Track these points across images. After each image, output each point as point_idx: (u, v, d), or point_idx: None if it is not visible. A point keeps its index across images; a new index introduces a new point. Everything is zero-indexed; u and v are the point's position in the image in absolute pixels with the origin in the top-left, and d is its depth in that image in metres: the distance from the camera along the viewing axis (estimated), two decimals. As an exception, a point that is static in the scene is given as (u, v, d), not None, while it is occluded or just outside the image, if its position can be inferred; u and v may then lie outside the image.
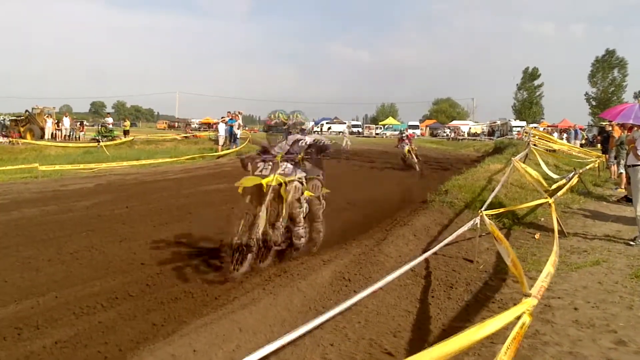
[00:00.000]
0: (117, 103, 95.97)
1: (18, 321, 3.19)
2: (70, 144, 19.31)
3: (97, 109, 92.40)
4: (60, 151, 17.15)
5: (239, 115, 20.26)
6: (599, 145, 17.77)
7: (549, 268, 2.88)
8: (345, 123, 51.98)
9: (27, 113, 22.85)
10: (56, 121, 23.81)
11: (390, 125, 53.09)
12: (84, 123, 29.64)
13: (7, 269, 4.26)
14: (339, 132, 38.47)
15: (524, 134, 23.94)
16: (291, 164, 4.31)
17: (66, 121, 23.93)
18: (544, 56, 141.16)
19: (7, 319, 3.23)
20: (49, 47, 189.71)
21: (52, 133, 22.67)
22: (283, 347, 2.46)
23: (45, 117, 22.84)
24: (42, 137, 21.36)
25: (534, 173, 7.78)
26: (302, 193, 4.46)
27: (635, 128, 5.94)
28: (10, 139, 19.74)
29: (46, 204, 7.51)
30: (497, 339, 2.78)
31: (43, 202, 7.68)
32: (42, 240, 5.31)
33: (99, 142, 18.64)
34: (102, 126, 25.30)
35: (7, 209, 7.07)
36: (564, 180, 8.25)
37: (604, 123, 15.44)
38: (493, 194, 6.34)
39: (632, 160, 5.45)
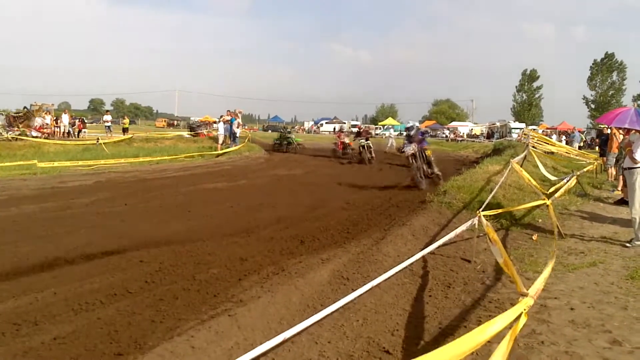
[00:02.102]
0: (116, 100, 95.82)
1: (17, 317, 3.20)
2: (68, 142, 19.27)
3: (96, 106, 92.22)
4: (59, 148, 17.11)
5: (239, 114, 20.26)
6: (597, 148, 17.83)
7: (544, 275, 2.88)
8: (344, 123, 51.97)
9: (25, 109, 22.78)
10: (55, 118, 23.74)
11: (390, 126, 53.02)
12: (84, 120, 29.47)
13: (6, 265, 4.26)
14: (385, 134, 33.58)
15: (523, 135, 23.96)
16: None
17: (65, 118, 23.85)
18: (543, 58, 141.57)
19: (5, 315, 3.23)
20: (48, 44, 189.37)
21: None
22: (280, 344, 2.48)
23: (43, 113, 22.77)
24: (41, 134, 21.31)
25: (526, 175, 7.80)
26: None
27: (633, 131, 5.97)
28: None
29: (45, 201, 7.50)
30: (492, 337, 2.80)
31: (42, 199, 7.68)
32: (41, 236, 5.31)
33: (98, 139, 18.61)
34: (281, 131, 24.43)
35: (6, 205, 7.07)
36: (562, 182, 8.28)
37: (602, 126, 15.48)
38: (491, 195, 6.36)
39: (628, 163, 5.49)
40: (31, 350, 2.79)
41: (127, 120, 30.65)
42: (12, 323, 3.11)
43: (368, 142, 17.43)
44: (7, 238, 5.18)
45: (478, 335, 1.82)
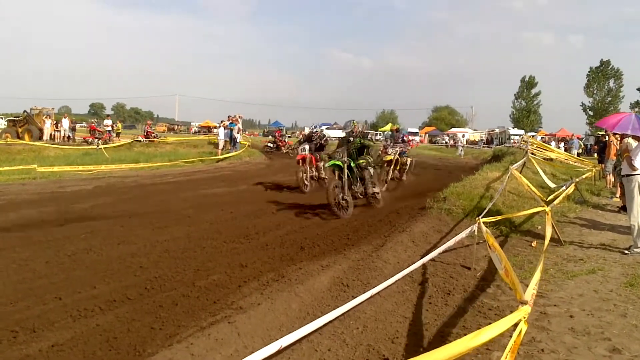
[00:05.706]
0: (116, 105, 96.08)
1: (14, 324, 3.17)
2: (67, 146, 19.26)
3: (96, 111, 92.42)
4: (59, 152, 17.13)
5: (239, 119, 20.31)
6: (595, 155, 17.90)
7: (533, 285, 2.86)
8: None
9: (25, 114, 22.81)
10: (55, 122, 23.77)
11: (389, 132, 53.01)
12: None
13: (4, 271, 4.25)
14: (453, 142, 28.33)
15: (522, 142, 23.99)
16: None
17: (65, 122, 23.88)
18: (543, 65, 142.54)
19: (2, 322, 3.21)
20: (49, 48, 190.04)
21: (50, 134, 22.65)
22: (279, 351, 2.47)
23: (43, 118, 22.81)
24: (40, 138, 21.34)
25: (525, 181, 7.84)
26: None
27: (631, 137, 5.99)
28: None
29: (44, 206, 7.49)
30: (493, 345, 2.80)
31: (41, 204, 7.67)
32: (40, 242, 5.30)
33: (98, 144, 18.65)
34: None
35: (5, 210, 7.06)
36: (562, 188, 8.31)
37: (600, 132, 15.54)
38: (491, 203, 6.37)
39: (626, 170, 5.50)
40: (28, 358, 2.77)
41: (120, 125, 30.35)
42: (10, 330, 3.09)
43: None
44: (6, 243, 5.17)
45: (471, 340, 1.83)
